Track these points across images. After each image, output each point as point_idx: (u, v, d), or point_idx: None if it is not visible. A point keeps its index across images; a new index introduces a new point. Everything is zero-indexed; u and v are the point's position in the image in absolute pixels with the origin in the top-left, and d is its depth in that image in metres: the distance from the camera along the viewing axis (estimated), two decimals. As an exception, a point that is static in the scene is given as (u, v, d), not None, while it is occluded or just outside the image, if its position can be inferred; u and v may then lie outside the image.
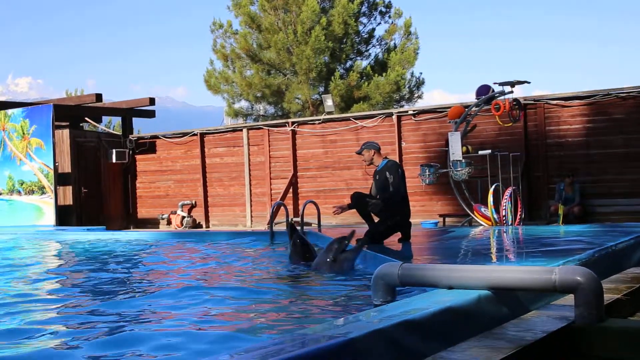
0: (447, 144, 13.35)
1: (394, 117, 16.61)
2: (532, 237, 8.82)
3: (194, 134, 19.46)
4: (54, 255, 11.29)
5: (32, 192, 17.89)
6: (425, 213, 15.48)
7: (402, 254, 7.57)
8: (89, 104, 20.03)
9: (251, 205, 18.60)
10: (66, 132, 18.71)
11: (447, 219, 15.20)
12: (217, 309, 5.22)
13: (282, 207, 10.87)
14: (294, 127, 17.96)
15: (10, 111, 18.45)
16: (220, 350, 3.72)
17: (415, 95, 26.74)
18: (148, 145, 20.16)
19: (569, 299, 3.58)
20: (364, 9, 25.85)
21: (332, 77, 24.24)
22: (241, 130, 18.99)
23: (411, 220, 8.63)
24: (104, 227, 15.48)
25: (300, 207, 12.07)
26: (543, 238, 8.14)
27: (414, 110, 16.90)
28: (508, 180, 12.94)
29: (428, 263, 5.82)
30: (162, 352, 3.83)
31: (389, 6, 26.39)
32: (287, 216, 10.62)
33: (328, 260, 6.71)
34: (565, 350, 3.30)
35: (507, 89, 13.05)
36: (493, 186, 12.20)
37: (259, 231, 14.16)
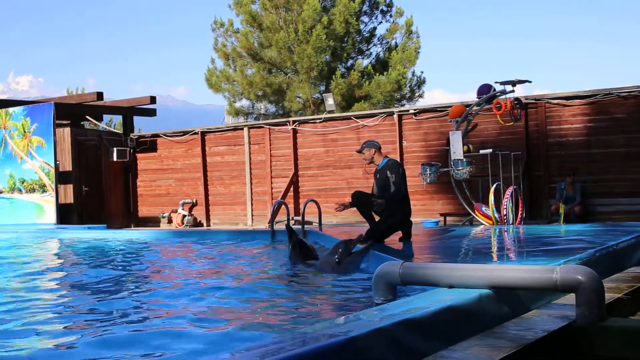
0: (448, 143, 13.34)
1: (395, 116, 16.61)
2: (533, 236, 8.81)
3: (195, 133, 19.46)
4: (54, 254, 11.30)
5: (33, 190, 17.90)
6: (426, 212, 15.48)
7: (403, 252, 7.56)
8: (90, 103, 20.02)
9: (252, 204, 18.60)
10: (67, 130, 18.71)
11: (448, 218, 15.20)
12: (218, 307, 5.22)
13: (282, 206, 10.88)
14: (295, 125, 17.96)
15: (11, 109, 18.45)
16: (221, 349, 3.72)
17: (416, 94, 26.74)
18: (149, 144, 20.16)
19: (570, 298, 3.57)
20: (365, 7, 25.84)
21: (333, 76, 24.24)
22: (242, 129, 18.99)
23: (412, 219, 8.62)
24: (105, 225, 15.50)
25: (301, 206, 12.06)
26: (544, 237, 8.13)
27: (415, 110, 16.89)
28: (509, 180, 12.93)
29: (429, 262, 5.82)
30: (162, 351, 3.83)
31: (390, 5, 26.38)
32: (288, 215, 10.62)
33: (333, 261, 6.72)
34: (567, 349, 3.30)
35: (508, 88, 13.04)
36: (494, 185, 12.19)
37: (260, 230, 14.15)
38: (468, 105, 13.77)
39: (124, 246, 11.11)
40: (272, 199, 17.64)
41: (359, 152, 8.69)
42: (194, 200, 19.45)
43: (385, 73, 24.87)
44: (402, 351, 2.81)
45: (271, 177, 18.26)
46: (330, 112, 18.24)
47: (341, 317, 3.20)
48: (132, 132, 20.74)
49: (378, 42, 26.67)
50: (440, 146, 15.32)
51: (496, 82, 13.22)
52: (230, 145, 19.04)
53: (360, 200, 8.42)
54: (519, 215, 12.05)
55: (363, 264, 6.79)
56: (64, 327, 4.72)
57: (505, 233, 9.91)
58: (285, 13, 24.83)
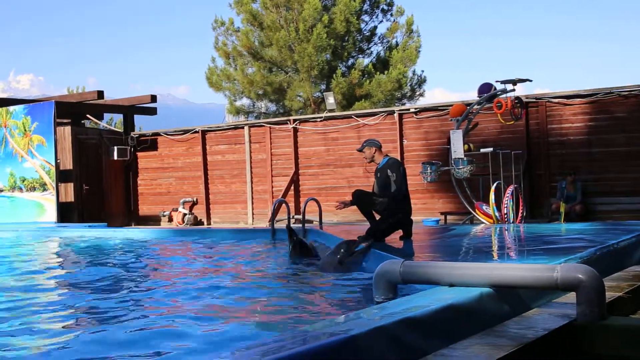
0: (448, 142, 13.34)
1: (396, 115, 16.60)
2: (534, 235, 8.81)
3: (196, 132, 19.46)
4: (55, 253, 11.30)
5: (33, 189, 17.90)
6: (426, 211, 15.46)
7: (404, 251, 7.56)
8: (91, 101, 20.01)
9: (252, 203, 18.60)
10: (68, 129, 18.71)
11: (448, 217, 15.19)
12: (218, 306, 5.22)
13: (283, 205, 10.88)
14: (296, 124, 17.95)
15: (12, 108, 18.45)
16: (222, 348, 3.72)
17: (417, 93, 26.71)
18: (149, 143, 20.16)
19: (571, 296, 3.57)
20: (365, 6, 25.81)
21: (334, 75, 24.23)
22: (243, 127, 18.98)
23: (412, 217, 8.62)
24: (106, 224, 15.50)
25: (302, 205, 12.06)
26: (545, 236, 8.13)
27: (415, 108, 16.88)
28: (510, 178, 12.93)
29: (429, 261, 5.82)
30: (162, 350, 3.83)
31: (390, 4, 26.35)
32: (289, 213, 10.63)
33: (335, 261, 6.73)
34: (567, 348, 3.30)
35: (509, 87, 13.04)
36: (495, 184, 12.19)
37: (261, 228, 14.15)
38: (469, 104, 13.77)
39: (124, 245, 11.11)
40: (273, 198, 17.63)
41: (360, 150, 8.69)
42: (195, 199, 19.45)
43: (385, 72, 24.85)
44: (402, 350, 2.80)
45: (272, 176, 18.26)
46: (331, 110, 18.23)
47: (342, 316, 3.20)
48: (133, 130, 20.74)
49: (379, 41, 26.66)
50: (441, 145, 15.32)
51: (497, 81, 13.22)
52: (231, 144, 19.04)
53: (360, 199, 8.43)
54: (520, 214, 12.05)
55: (364, 263, 6.79)
56: (63, 327, 4.72)
57: (506, 232, 9.91)
58: (286, 12, 24.81)
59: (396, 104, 24.51)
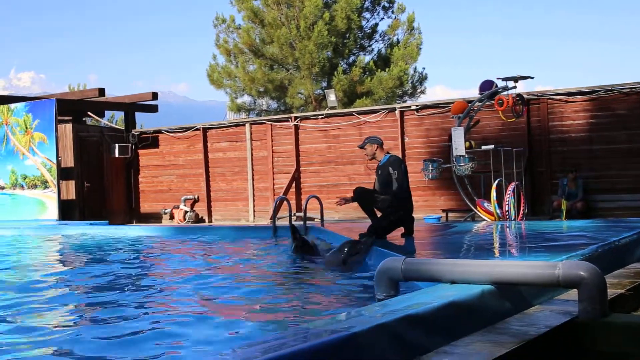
0: (450, 139, 13.33)
1: (397, 112, 16.59)
2: (535, 232, 8.81)
3: (197, 129, 19.46)
4: (56, 250, 11.30)
5: (35, 186, 17.91)
6: (428, 208, 15.46)
7: (405, 248, 7.56)
8: (92, 99, 20.01)
9: (254, 200, 18.60)
10: (69, 126, 18.71)
11: (450, 214, 15.19)
12: (219, 304, 5.22)
13: (284, 202, 10.88)
14: (297, 122, 17.95)
15: (13, 105, 18.44)
16: (223, 345, 3.72)
17: (418, 90, 26.72)
18: (151, 140, 20.15)
19: (572, 294, 3.57)
20: (367, 4, 25.80)
21: (335, 72, 24.21)
22: (244, 125, 18.98)
23: (414, 215, 8.62)
24: (107, 221, 15.49)
25: (303, 202, 12.06)
26: (546, 233, 8.13)
27: (417, 106, 16.87)
28: (511, 176, 12.93)
29: (431, 258, 5.81)
30: (164, 347, 3.83)
31: (392, 1, 26.32)
32: (290, 211, 10.63)
33: (338, 260, 6.75)
34: (569, 345, 3.29)
35: (511, 84, 13.04)
36: (496, 181, 12.19)
37: (262, 226, 14.16)
38: (470, 102, 13.75)
39: (125, 242, 11.11)
40: (274, 195, 17.63)
41: (361, 147, 8.69)
42: (196, 197, 19.45)
43: (387, 69, 24.84)
44: (404, 347, 2.80)
45: (273, 173, 18.26)
46: (332, 108, 18.23)
47: (343, 313, 3.20)
48: (134, 128, 20.74)
49: (380, 38, 26.64)
50: (442, 142, 15.31)
51: (498, 79, 13.21)
52: (232, 142, 19.04)
53: (362, 196, 8.43)
54: (521, 211, 12.04)
55: (366, 260, 6.80)
56: (63, 326, 4.71)
57: (507, 229, 9.90)
58: (287, 9, 24.79)
59: (397, 101, 24.50)
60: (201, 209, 19.34)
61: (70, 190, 18.50)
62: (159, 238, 11.61)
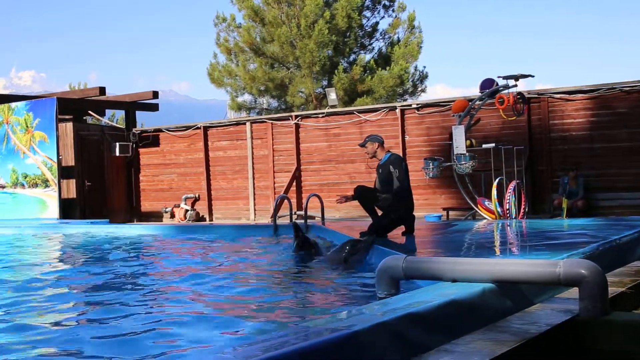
0: (450, 138, 13.33)
1: (398, 110, 16.59)
2: (536, 230, 8.81)
3: (198, 128, 19.46)
4: (56, 249, 11.31)
5: (35, 185, 17.91)
6: (428, 206, 15.46)
7: (406, 247, 7.56)
8: (93, 98, 20.02)
9: (254, 199, 18.60)
10: (70, 125, 18.72)
11: (450, 213, 15.19)
12: (220, 302, 5.22)
13: (285, 201, 10.88)
14: (298, 120, 17.95)
15: (14, 104, 18.44)
16: (224, 344, 3.72)
17: (419, 89, 26.69)
18: (151, 139, 20.16)
19: (573, 292, 3.56)
20: (367, 2, 25.79)
21: (336, 71, 24.21)
22: (244, 123, 18.98)
23: (415, 213, 8.61)
24: (108, 220, 15.50)
25: (304, 201, 12.06)
26: (547, 231, 8.12)
27: (417, 104, 16.87)
28: (512, 174, 12.93)
29: (432, 256, 5.81)
30: (165, 345, 3.83)
31: (392, 0, 26.32)
32: (291, 209, 10.63)
33: (339, 259, 6.76)
34: (570, 343, 3.29)
35: (511, 82, 13.03)
36: (497, 180, 12.18)
37: (263, 224, 14.16)
38: (471, 100, 13.75)
39: (126, 241, 11.11)
40: (275, 194, 17.63)
41: (362, 145, 8.68)
42: (197, 195, 19.45)
43: (387, 68, 24.83)
44: (405, 345, 2.80)
45: (273, 172, 18.26)
46: (333, 106, 18.22)
47: (344, 312, 3.20)
48: (135, 127, 20.74)
49: (380, 37, 26.62)
50: (443, 141, 15.31)
51: (499, 77, 13.21)
52: (233, 140, 19.04)
53: (362, 195, 8.43)
54: (522, 210, 12.04)
55: (367, 259, 6.80)
56: (62, 325, 4.71)
57: (508, 227, 9.90)
58: (288, 8, 24.78)
59: (398, 100, 24.49)
60: (202, 207, 19.35)
61: (71, 189, 18.51)
62: (160, 237, 11.61)
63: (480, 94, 13.43)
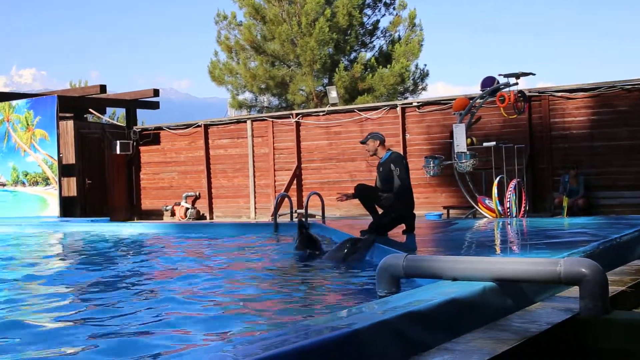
0: (451, 136, 13.32)
1: (398, 108, 16.58)
2: (537, 229, 8.80)
3: (198, 126, 19.46)
4: (57, 247, 11.31)
5: (36, 183, 17.92)
6: (429, 205, 15.46)
7: (406, 245, 7.56)
8: (93, 95, 20.03)
9: (255, 197, 18.60)
10: (70, 123, 18.71)
11: (451, 211, 15.19)
12: (221, 300, 5.22)
13: (286, 199, 10.88)
14: (298, 118, 17.94)
15: (14, 102, 18.45)
16: (224, 342, 3.72)
17: (420, 87, 26.67)
18: (152, 137, 20.16)
19: (574, 290, 3.57)
20: (368, 0, 25.77)
21: (337, 69, 24.20)
22: (245, 121, 18.98)
23: (415, 212, 8.61)
24: (108, 218, 15.50)
25: (304, 199, 12.06)
26: (547, 230, 8.12)
27: (418, 102, 16.86)
28: (512, 173, 12.92)
29: (432, 255, 5.81)
30: (165, 344, 3.83)
31: (393, -2, 26.31)
32: (291, 208, 10.63)
33: (339, 257, 6.76)
34: (570, 342, 3.29)
35: (512, 80, 13.01)
36: (497, 178, 12.18)
37: (263, 223, 14.16)
38: (472, 98, 13.74)
39: (127, 239, 11.12)
40: (275, 192, 17.64)
41: (363, 143, 8.67)
42: (197, 193, 19.46)
43: (388, 66, 24.83)
44: (405, 344, 2.80)
45: (274, 170, 18.26)
46: (334, 105, 18.21)
47: (344, 310, 3.20)
48: (135, 125, 20.75)
49: (381, 35, 26.61)
50: (444, 139, 15.30)
51: (500, 75, 13.20)
52: (234, 138, 19.04)
53: (363, 193, 8.42)
54: (522, 208, 12.04)
55: (367, 257, 6.80)
56: (62, 325, 4.70)
57: (509, 226, 9.90)
58: (289, 6, 24.77)
59: (399, 98, 24.49)
60: (202, 205, 19.35)
61: (71, 187, 18.52)
62: (160, 235, 11.61)
63: (481, 92, 13.43)
